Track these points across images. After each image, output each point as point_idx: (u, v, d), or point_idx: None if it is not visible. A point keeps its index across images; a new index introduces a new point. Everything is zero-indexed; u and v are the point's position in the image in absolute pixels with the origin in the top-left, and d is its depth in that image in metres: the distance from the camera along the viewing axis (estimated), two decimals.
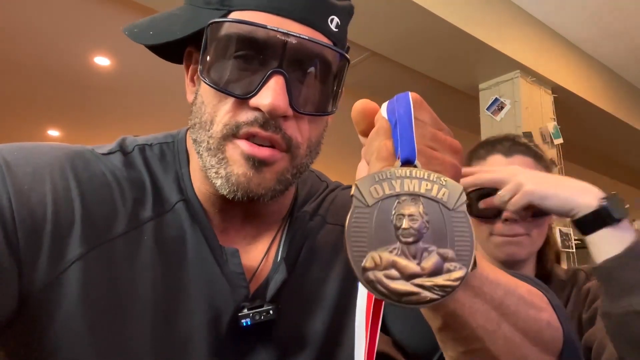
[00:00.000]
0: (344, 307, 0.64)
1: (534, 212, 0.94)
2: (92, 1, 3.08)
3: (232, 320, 0.57)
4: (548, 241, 1.04)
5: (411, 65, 3.33)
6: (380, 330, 0.42)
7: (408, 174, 0.37)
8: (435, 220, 0.37)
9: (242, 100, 0.53)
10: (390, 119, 0.41)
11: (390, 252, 0.35)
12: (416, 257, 0.35)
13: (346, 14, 0.58)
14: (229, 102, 0.54)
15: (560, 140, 3.36)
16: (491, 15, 3.11)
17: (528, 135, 3.16)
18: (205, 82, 0.54)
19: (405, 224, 0.36)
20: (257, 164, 0.54)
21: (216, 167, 0.55)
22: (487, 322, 0.44)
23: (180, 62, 0.63)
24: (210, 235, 0.60)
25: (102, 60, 3.94)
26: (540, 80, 3.44)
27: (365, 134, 0.43)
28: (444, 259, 0.35)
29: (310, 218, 0.68)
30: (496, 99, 3.37)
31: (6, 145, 0.55)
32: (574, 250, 3.12)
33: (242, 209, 0.61)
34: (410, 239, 0.35)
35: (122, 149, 0.62)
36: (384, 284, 0.34)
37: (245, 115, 0.53)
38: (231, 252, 0.59)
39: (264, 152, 0.53)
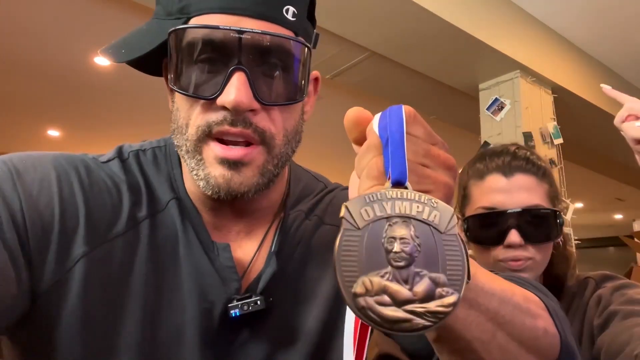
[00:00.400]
0: (338, 305, 0.65)
1: (538, 237, 0.91)
2: (92, 1, 3.08)
3: (223, 313, 0.59)
4: (560, 258, 0.99)
5: (411, 65, 3.33)
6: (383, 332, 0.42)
7: (399, 195, 0.37)
8: (426, 243, 0.36)
9: (210, 101, 0.55)
10: (382, 135, 0.40)
11: (382, 276, 0.34)
12: (408, 281, 0.34)
13: (302, 1, 0.60)
14: (199, 104, 0.56)
15: (560, 140, 3.36)
16: (491, 15, 3.11)
17: (528, 135, 3.16)
18: (174, 90, 0.56)
19: (396, 247, 0.35)
20: (234, 165, 0.56)
21: (196, 169, 0.57)
22: (482, 334, 0.44)
23: (160, 74, 0.66)
24: (202, 232, 0.62)
25: (102, 60, 3.94)
26: (540, 80, 3.44)
27: (358, 142, 0.42)
28: (436, 284, 0.35)
29: (306, 217, 0.69)
30: (496, 99, 3.37)
31: (15, 154, 0.60)
32: (574, 250, 3.12)
33: (232, 206, 0.63)
34: (402, 263, 0.35)
35: (119, 156, 0.66)
36: (376, 311, 0.33)
37: (215, 115, 0.55)
38: (222, 246, 0.61)
39: (236, 152, 0.55)
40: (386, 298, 0.34)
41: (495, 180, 0.95)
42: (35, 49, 3.74)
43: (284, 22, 0.57)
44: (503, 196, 0.93)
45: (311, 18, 0.62)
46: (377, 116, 0.42)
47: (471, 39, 2.97)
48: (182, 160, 0.61)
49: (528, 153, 0.99)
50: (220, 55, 0.54)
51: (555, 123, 3.42)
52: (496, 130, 3.30)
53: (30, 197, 0.55)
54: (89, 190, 0.59)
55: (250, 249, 0.65)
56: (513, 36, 3.23)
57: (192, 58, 0.55)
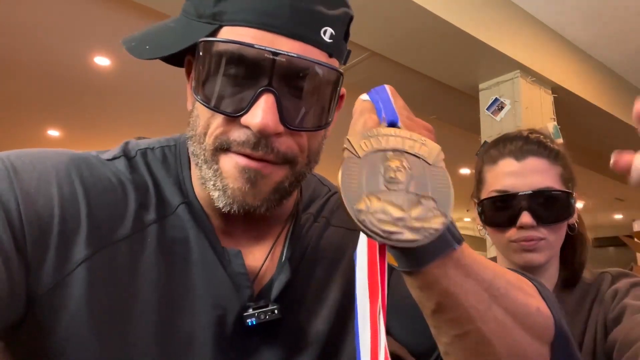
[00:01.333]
0: (347, 307, 0.64)
1: (550, 218, 0.92)
2: (92, 1, 3.08)
3: (237, 320, 0.58)
4: (575, 242, 1.01)
5: (411, 65, 3.34)
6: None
7: (393, 132, 0.43)
8: (417, 173, 0.41)
9: (234, 117, 0.53)
10: (372, 98, 0.47)
11: (379, 199, 0.38)
12: (402, 204, 0.39)
13: (341, 22, 0.58)
14: (221, 117, 0.54)
15: (560, 140, 3.36)
16: (491, 15, 3.11)
17: None
18: (197, 99, 0.54)
19: (392, 174, 0.40)
20: (254, 176, 0.54)
21: (213, 179, 0.55)
22: (478, 303, 0.45)
23: (182, 65, 0.64)
24: (213, 237, 0.60)
25: (102, 60, 3.94)
26: (540, 80, 3.44)
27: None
28: (426, 206, 0.39)
29: (315, 220, 0.69)
30: (496, 99, 3.37)
31: (13, 152, 0.56)
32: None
33: (243, 213, 0.62)
34: (396, 187, 0.39)
35: (125, 153, 0.63)
36: (375, 224, 0.37)
37: (237, 133, 0.53)
38: (234, 253, 0.60)
39: (257, 164, 0.54)
40: (384, 215, 0.38)
41: (508, 164, 0.97)
42: (35, 49, 3.74)
43: (319, 44, 0.54)
44: (515, 179, 0.95)
45: (346, 35, 0.61)
46: (362, 95, 0.49)
47: (471, 39, 2.97)
48: (195, 166, 0.58)
49: (541, 137, 1.00)
50: (251, 73, 0.52)
51: (555, 123, 3.42)
52: (496, 130, 3.30)
53: (27, 196, 0.52)
54: (92, 189, 0.57)
55: (259, 255, 0.64)
56: (513, 36, 3.23)
57: (220, 70, 0.52)
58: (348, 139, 0.41)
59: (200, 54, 0.53)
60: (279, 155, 0.54)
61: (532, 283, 0.54)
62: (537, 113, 3.34)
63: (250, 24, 0.52)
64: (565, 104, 3.67)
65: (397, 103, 0.46)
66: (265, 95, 0.51)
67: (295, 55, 0.51)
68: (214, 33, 0.53)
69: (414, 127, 0.44)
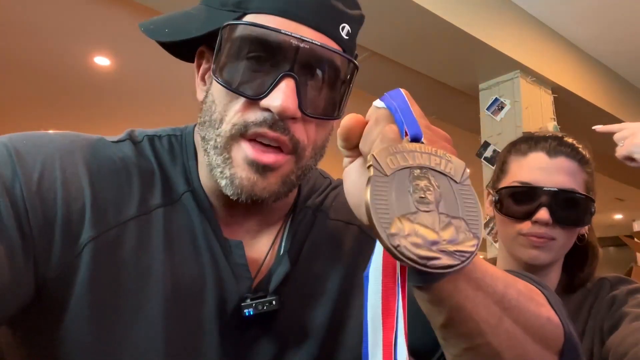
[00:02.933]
0: (345, 300, 0.65)
1: (567, 220, 0.92)
2: (92, 1, 3.08)
3: (236, 310, 0.59)
4: (587, 253, 0.99)
5: (411, 65, 3.34)
6: None
7: (418, 148, 0.40)
8: (446, 192, 0.39)
9: (253, 101, 0.54)
10: (389, 106, 0.43)
11: (410, 220, 0.37)
12: (433, 225, 0.37)
13: (357, 22, 0.61)
14: (240, 102, 0.55)
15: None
16: (491, 15, 3.11)
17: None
18: (217, 82, 0.55)
19: (422, 194, 0.38)
20: (262, 169, 0.55)
21: (222, 166, 0.56)
22: (489, 316, 0.45)
23: (188, 60, 0.65)
24: (216, 227, 0.61)
25: (102, 60, 3.94)
26: (540, 80, 3.44)
27: (356, 146, 0.44)
28: (457, 227, 0.37)
29: (313, 213, 0.69)
30: (496, 99, 3.37)
31: (16, 135, 0.56)
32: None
33: (246, 204, 0.62)
34: (428, 208, 0.38)
35: (131, 138, 0.64)
36: (410, 249, 0.35)
37: (255, 116, 0.54)
38: (235, 244, 0.61)
39: (268, 157, 0.54)
40: (417, 239, 0.36)
41: (539, 158, 0.96)
42: (35, 49, 3.74)
43: (338, 39, 0.57)
44: (542, 174, 0.94)
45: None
46: (376, 101, 0.46)
47: (471, 39, 2.97)
48: (203, 153, 0.59)
49: (575, 142, 1.00)
50: (274, 57, 0.53)
51: (555, 123, 3.42)
52: (496, 130, 3.30)
53: (31, 180, 0.52)
54: (96, 172, 0.57)
55: (261, 248, 0.64)
56: (513, 36, 3.23)
57: (243, 54, 0.54)
58: (374, 156, 0.39)
59: (223, 37, 0.54)
60: (292, 139, 0.55)
61: (541, 291, 0.54)
62: (537, 113, 3.34)
63: (275, 12, 0.54)
64: (565, 104, 3.67)
65: (416, 112, 0.44)
66: (287, 79, 0.53)
67: (319, 44, 0.53)
68: (237, 20, 0.55)
69: (435, 139, 0.43)
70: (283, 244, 0.65)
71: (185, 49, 0.62)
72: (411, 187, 0.38)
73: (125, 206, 0.57)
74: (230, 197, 0.56)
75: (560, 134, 1.01)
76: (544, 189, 0.92)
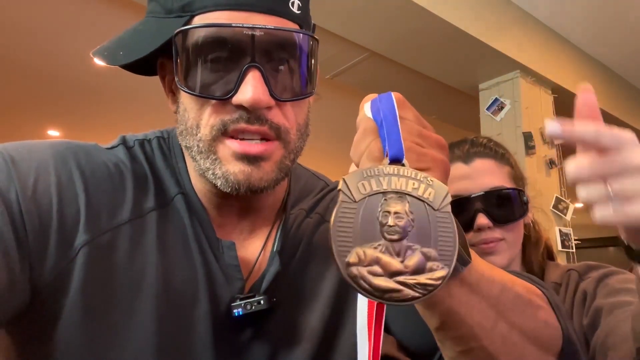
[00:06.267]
0: (341, 304, 0.65)
1: (505, 218, 0.92)
2: (92, 1, 3.08)
3: (227, 311, 0.59)
4: (531, 241, 1.00)
5: (411, 65, 3.33)
6: (383, 329, 0.42)
7: (396, 171, 0.38)
8: (420, 219, 0.37)
9: (223, 100, 0.54)
10: (376, 119, 0.42)
11: (375, 248, 0.35)
12: (400, 254, 0.36)
13: None
14: (211, 104, 0.55)
15: (560, 140, 3.35)
16: (491, 15, 3.11)
17: (528, 135, 3.15)
18: (184, 91, 0.55)
19: (390, 221, 0.36)
20: (253, 160, 0.55)
21: (211, 168, 0.56)
22: (483, 320, 0.44)
23: (155, 74, 0.64)
24: (208, 228, 0.61)
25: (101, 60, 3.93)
26: (540, 80, 3.44)
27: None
28: (427, 258, 0.36)
29: (307, 215, 0.69)
30: (496, 99, 3.37)
31: (10, 143, 0.57)
32: (574, 250, 3.12)
33: (238, 203, 0.63)
34: (395, 237, 0.36)
35: (124, 143, 0.64)
36: (367, 280, 0.34)
37: (230, 114, 0.54)
38: (227, 244, 0.61)
39: (256, 148, 0.54)
40: (378, 268, 0.35)
41: (457, 168, 0.97)
42: (35, 49, 3.74)
43: (290, 16, 0.56)
44: (465, 182, 0.95)
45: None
46: (367, 104, 0.43)
47: (471, 39, 2.96)
48: (191, 159, 0.59)
49: (485, 140, 1.01)
50: (233, 53, 0.53)
51: None
52: (496, 130, 3.30)
53: (26, 186, 0.52)
54: (90, 177, 0.57)
55: (253, 248, 0.64)
56: (513, 36, 3.23)
57: (202, 57, 0.53)
58: (345, 180, 0.37)
59: (178, 46, 0.53)
60: (272, 126, 0.55)
61: (542, 292, 0.53)
62: (537, 113, 3.34)
63: (222, 7, 0.53)
64: (565, 104, 3.67)
65: (405, 123, 0.41)
66: (251, 71, 0.52)
67: (273, 28, 0.53)
68: (186, 24, 0.54)
69: (423, 155, 0.40)
70: (275, 244, 0.64)
71: (146, 65, 0.61)
72: (380, 214, 0.36)
73: (119, 210, 0.57)
74: (230, 193, 0.56)
75: (472, 137, 1.02)
76: (472, 196, 0.93)
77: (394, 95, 0.42)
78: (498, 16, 3.16)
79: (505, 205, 0.93)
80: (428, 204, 0.38)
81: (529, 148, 3.12)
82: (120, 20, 3.25)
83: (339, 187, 0.37)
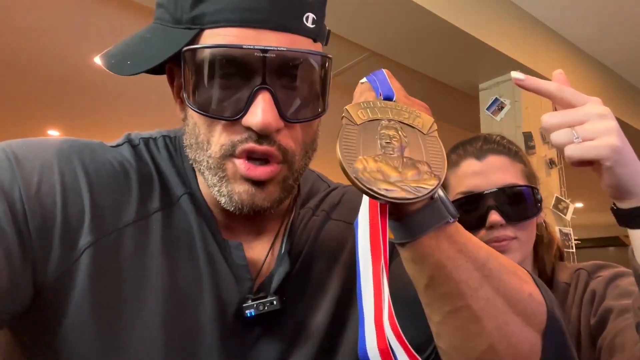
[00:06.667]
0: (347, 299, 0.65)
1: (518, 216, 0.91)
2: (91, 1, 3.08)
3: (237, 311, 0.58)
4: (543, 242, 0.99)
5: (411, 65, 3.33)
6: None
7: (389, 105, 0.45)
8: (412, 141, 0.43)
9: (234, 120, 0.53)
10: (370, 80, 0.50)
11: (375, 160, 0.41)
12: (397, 166, 0.41)
13: (320, 4, 0.57)
14: (220, 124, 0.54)
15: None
16: (491, 15, 3.11)
17: (528, 135, 3.15)
18: (193, 109, 0.53)
19: (388, 140, 0.42)
20: (257, 182, 0.54)
21: (218, 185, 0.55)
22: (469, 279, 0.46)
23: (162, 73, 0.63)
24: (215, 229, 0.61)
25: None
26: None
27: None
28: (420, 169, 0.42)
29: (314, 213, 0.69)
30: (496, 99, 3.37)
31: (14, 141, 0.56)
32: (574, 250, 3.12)
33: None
34: (393, 152, 0.42)
35: (129, 141, 0.64)
36: (372, 182, 0.39)
37: (239, 135, 0.53)
38: (235, 245, 0.60)
39: (261, 172, 0.54)
40: (379, 174, 0.40)
41: (469, 164, 0.96)
42: (34, 49, 3.74)
43: (304, 31, 0.54)
44: (478, 179, 0.94)
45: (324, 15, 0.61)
46: (363, 79, 0.52)
47: (471, 39, 2.96)
48: (198, 172, 0.59)
49: (499, 137, 1.00)
50: (243, 73, 0.51)
51: None
52: (496, 130, 3.30)
53: (30, 185, 0.52)
54: (94, 176, 0.56)
55: (260, 249, 0.64)
56: (513, 36, 3.23)
57: (211, 76, 0.52)
58: (347, 109, 0.43)
59: (187, 62, 0.52)
60: (280, 148, 0.54)
61: (528, 272, 0.55)
62: (537, 113, 3.34)
63: (233, 23, 0.51)
64: None
65: (394, 83, 0.49)
66: (262, 93, 0.51)
67: (284, 49, 0.51)
68: (195, 38, 0.52)
69: (409, 103, 0.47)
70: (284, 244, 0.64)
71: (153, 69, 0.60)
72: (378, 135, 0.42)
73: (124, 211, 0.56)
74: (233, 212, 0.56)
75: (485, 134, 1.01)
76: (485, 192, 0.91)
77: (383, 69, 0.50)
78: (498, 16, 3.16)
79: (519, 202, 0.91)
80: (418, 130, 0.44)
81: (529, 148, 3.12)
82: (120, 20, 3.26)
83: (342, 114, 0.43)
